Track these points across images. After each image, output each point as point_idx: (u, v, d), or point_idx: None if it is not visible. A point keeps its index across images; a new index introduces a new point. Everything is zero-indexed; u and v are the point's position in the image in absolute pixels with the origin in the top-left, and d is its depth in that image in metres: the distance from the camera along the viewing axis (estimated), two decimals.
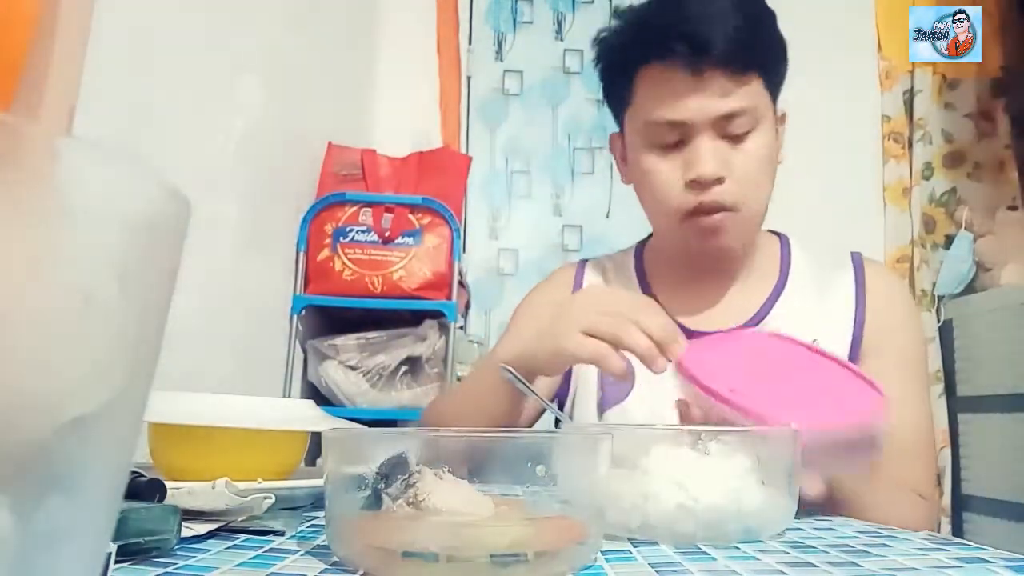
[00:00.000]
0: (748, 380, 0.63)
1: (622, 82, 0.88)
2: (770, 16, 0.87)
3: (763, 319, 0.91)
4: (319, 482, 0.49)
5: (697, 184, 0.83)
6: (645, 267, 1.00)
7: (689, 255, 0.92)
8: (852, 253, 0.95)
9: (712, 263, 0.92)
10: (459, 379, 1.91)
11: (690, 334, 0.90)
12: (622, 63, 0.88)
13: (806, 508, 0.61)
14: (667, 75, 0.83)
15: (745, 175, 0.84)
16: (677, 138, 0.84)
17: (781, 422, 0.54)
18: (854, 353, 0.88)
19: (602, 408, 0.90)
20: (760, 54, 0.84)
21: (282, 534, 0.49)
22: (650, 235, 1.03)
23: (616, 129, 0.95)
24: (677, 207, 0.85)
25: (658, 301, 0.92)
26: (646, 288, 0.97)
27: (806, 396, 0.64)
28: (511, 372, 0.76)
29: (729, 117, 0.82)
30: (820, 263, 0.96)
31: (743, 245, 0.91)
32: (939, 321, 2.17)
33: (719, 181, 0.82)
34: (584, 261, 1.05)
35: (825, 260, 0.96)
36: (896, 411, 0.85)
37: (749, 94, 0.83)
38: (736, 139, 0.83)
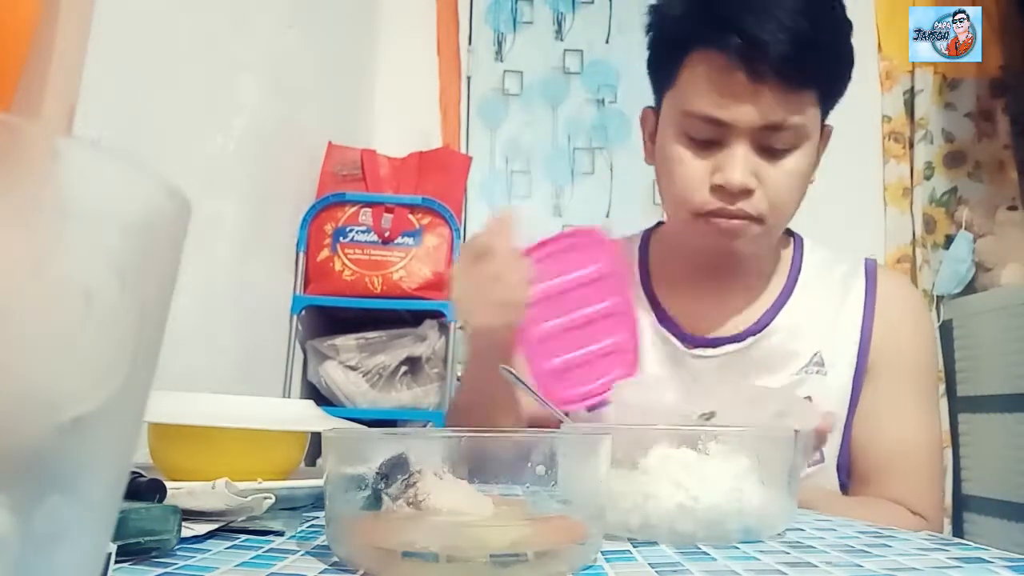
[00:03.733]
0: None
1: (670, 60, 0.82)
2: (845, 26, 0.81)
3: (766, 326, 0.88)
4: (319, 482, 0.49)
5: (723, 190, 0.78)
6: (650, 260, 0.96)
7: (699, 252, 0.88)
8: (866, 260, 0.92)
9: (721, 264, 0.89)
10: (459, 379, 1.91)
11: (689, 339, 0.89)
12: (673, 40, 0.82)
13: None
14: (719, 68, 0.76)
15: (776, 190, 0.79)
16: (713, 136, 0.79)
17: None
18: (860, 365, 0.86)
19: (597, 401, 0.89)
20: (823, 68, 0.78)
21: (282, 534, 0.49)
22: (658, 223, 0.99)
23: (651, 104, 0.90)
24: (697, 206, 0.80)
25: (659, 302, 0.91)
26: (647, 285, 0.93)
27: None
28: (510, 372, 0.76)
29: (774, 129, 0.77)
30: (833, 267, 0.92)
31: (756, 253, 0.87)
32: (939, 321, 2.17)
33: (747, 193, 0.78)
34: None
35: (841, 264, 0.92)
36: (907, 430, 0.84)
37: (801, 109, 0.78)
38: (775, 153, 0.79)
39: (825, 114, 0.83)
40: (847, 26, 0.81)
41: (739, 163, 0.77)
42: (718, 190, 0.78)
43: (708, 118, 0.78)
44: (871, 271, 0.90)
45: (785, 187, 0.80)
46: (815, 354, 0.86)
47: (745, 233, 0.80)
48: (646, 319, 0.90)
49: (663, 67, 0.84)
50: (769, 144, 0.78)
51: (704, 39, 0.77)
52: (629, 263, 0.95)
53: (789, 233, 0.95)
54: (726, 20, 0.75)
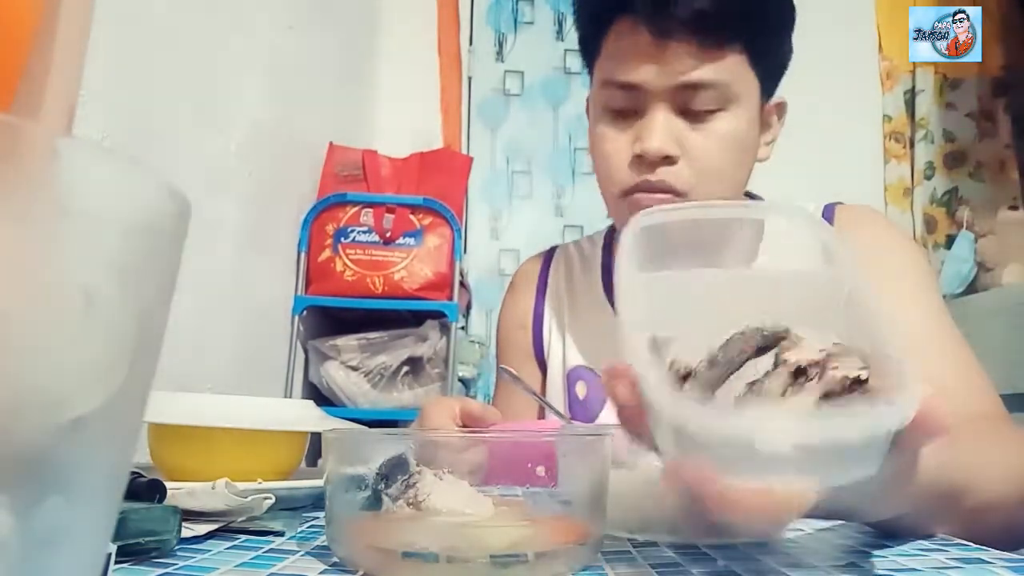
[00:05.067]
0: None
1: (592, 35, 0.78)
2: None
3: None
4: (319, 482, 0.49)
5: (643, 160, 0.72)
6: (613, 258, 0.88)
7: None
8: (827, 204, 0.85)
9: None
10: (460, 380, 1.91)
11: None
12: (594, 13, 0.78)
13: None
14: (631, 32, 0.72)
15: (704, 158, 0.72)
16: (630, 105, 0.74)
17: None
18: None
19: None
20: (746, 26, 0.72)
21: (282, 534, 0.49)
22: None
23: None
24: (621, 183, 0.75)
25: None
26: (608, 286, 0.88)
27: None
28: (510, 372, 0.76)
29: (692, 89, 0.71)
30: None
31: None
32: None
33: (669, 160, 0.72)
34: (552, 251, 0.96)
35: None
36: (923, 345, 0.71)
37: (723, 69, 0.72)
38: (698, 117, 0.73)
39: (767, 81, 0.77)
40: None
41: (656, 128, 0.71)
42: (637, 161, 0.73)
43: (620, 84, 0.73)
44: (828, 212, 0.83)
45: (714, 155, 0.73)
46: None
47: None
48: (610, 324, 0.84)
49: (587, 45, 0.80)
50: (690, 106, 0.72)
51: (618, 8, 0.74)
52: (591, 268, 0.91)
53: (751, 196, 0.88)
54: None
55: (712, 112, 0.73)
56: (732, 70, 0.72)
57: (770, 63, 0.77)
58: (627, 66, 0.73)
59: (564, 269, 0.93)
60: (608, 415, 0.83)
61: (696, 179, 0.73)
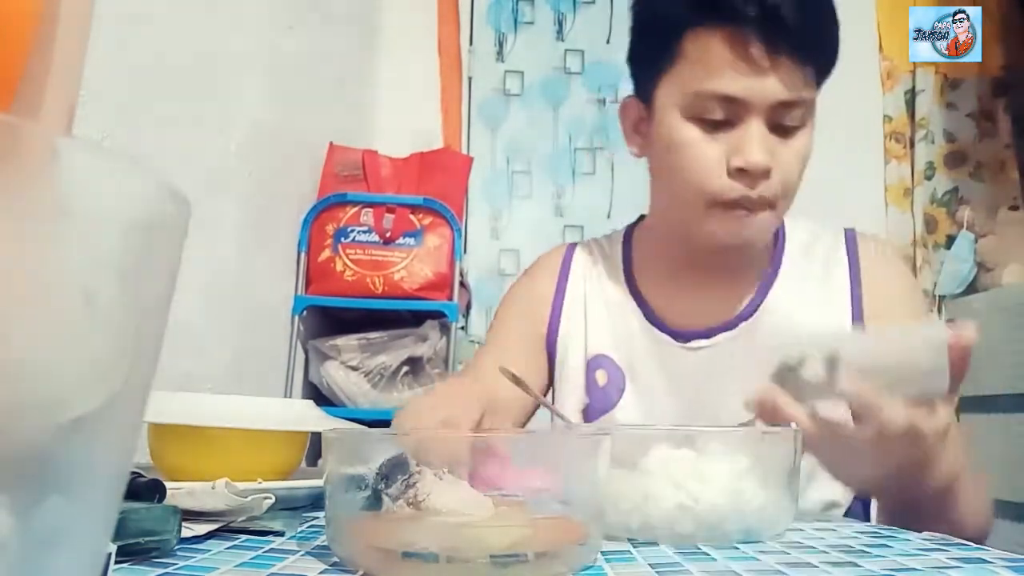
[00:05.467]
0: None
1: (666, 41, 0.78)
2: (835, 12, 0.80)
3: (753, 312, 0.85)
4: (319, 482, 0.49)
5: (744, 174, 0.75)
6: (633, 256, 0.93)
7: (692, 243, 0.84)
8: (846, 230, 0.90)
9: (718, 255, 0.84)
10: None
11: (680, 334, 0.86)
12: (672, 19, 0.78)
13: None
14: (732, 42, 0.73)
15: (789, 173, 0.77)
16: (726, 116, 0.75)
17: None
18: None
19: (589, 416, 0.86)
20: (824, 47, 0.78)
21: (282, 534, 0.49)
22: (640, 217, 0.96)
23: (631, 92, 0.87)
24: (715, 192, 0.76)
25: (643, 298, 0.89)
26: (631, 282, 0.91)
27: None
28: (510, 373, 0.76)
29: (788, 106, 0.75)
30: (816, 241, 0.89)
31: (763, 241, 0.84)
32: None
33: (766, 174, 0.75)
34: (574, 245, 0.98)
35: (823, 236, 0.90)
36: None
37: (811, 87, 0.77)
38: (785, 133, 0.76)
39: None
40: (836, 13, 0.81)
41: (759, 142, 0.74)
42: (738, 174, 0.75)
43: (724, 96, 0.75)
44: (851, 240, 0.88)
45: (796, 169, 0.78)
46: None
47: (761, 222, 0.78)
48: (634, 320, 0.88)
49: (657, 50, 0.80)
50: (781, 122, 0.75)
51: (715, 14, 0.75)
52: (613, 264, 0.93)
53: None
54: None
55: (796, 128, 0.77)
56: (812, 87, 0.77)
57: (823, 79, 0.81)
58: (733, 79, 0.74)
59: (588, 261, 0.96)
60: (626, 402, 0.84)
61: (781, 191, 0.77)
